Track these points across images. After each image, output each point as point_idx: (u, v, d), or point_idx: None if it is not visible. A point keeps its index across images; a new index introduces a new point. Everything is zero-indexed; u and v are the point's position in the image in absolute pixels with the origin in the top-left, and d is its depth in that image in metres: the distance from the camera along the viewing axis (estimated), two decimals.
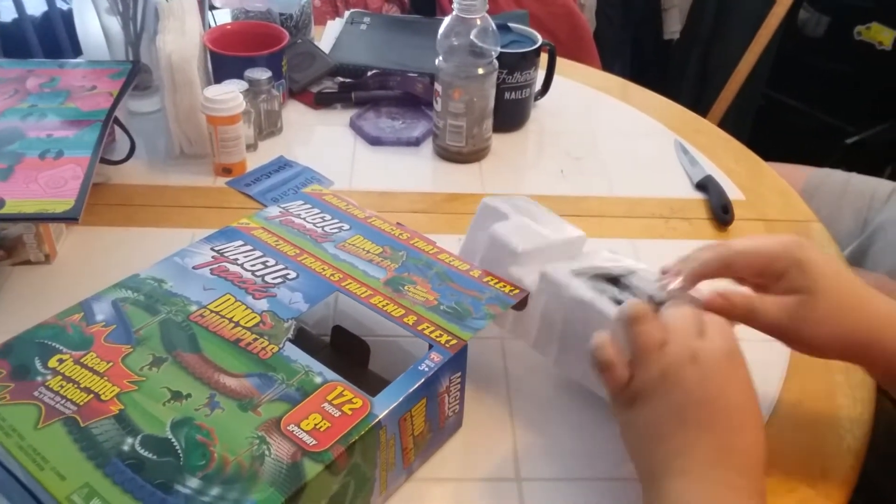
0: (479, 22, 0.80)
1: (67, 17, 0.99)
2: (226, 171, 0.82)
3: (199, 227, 0.74)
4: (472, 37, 0.80)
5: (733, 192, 0.84)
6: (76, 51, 0.97)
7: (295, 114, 0.95)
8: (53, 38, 0.98)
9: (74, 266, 0.69)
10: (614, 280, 0.56)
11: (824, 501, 0.52)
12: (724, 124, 1.79)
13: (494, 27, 0.81)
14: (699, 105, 1.87)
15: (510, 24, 0.93)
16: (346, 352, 0.61)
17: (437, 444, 0.55)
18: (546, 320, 0.57)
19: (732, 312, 0.51)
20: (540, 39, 0.91)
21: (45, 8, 1.00)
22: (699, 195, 0.84)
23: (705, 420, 0.45)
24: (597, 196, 0.84)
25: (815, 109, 1.92)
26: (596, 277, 0.56)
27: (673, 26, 1.81)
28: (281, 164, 0.85)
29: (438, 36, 0.81)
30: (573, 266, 0.57)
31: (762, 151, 0.96)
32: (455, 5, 0.79)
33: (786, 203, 0.85)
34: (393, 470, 0.50)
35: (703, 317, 0.49)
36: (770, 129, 1.95)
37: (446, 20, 0.81)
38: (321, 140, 0.91)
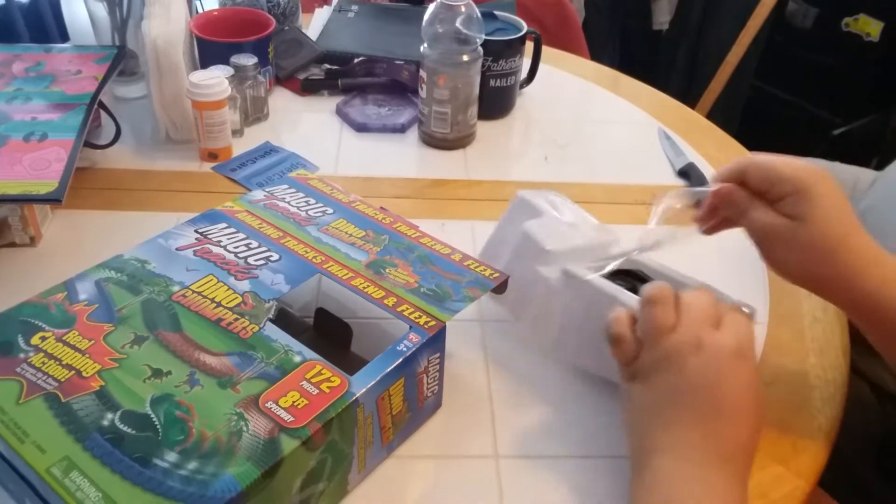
0: (463, 9, 0.80)
1: (54, 3, 1.00)
2: (211, 156, 0.82)
3: (184, 210, 0.75)
4: (457, 24, 0.81)
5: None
6: (63, 36, 0.97)
7: (282, 100, 0.95)
8: (41, 24, 0.98)
9: (59, 249, 0.70)
10: (633, 274, 0.58)
11: (795, 479, 0.54)
12: (712, 115, 1.80)
13: (479, 14, 0.82)
14: (688, 96, 1.88)
15: (496, 12, 0.94)
16: (329, 334, 0.62)
17: (416, 424, 0.55)
18: (568, 316, 0.57)
19: (731, 203, 0.54)
20: (525, 27, 0.92)
21: None
22: (681, 182, 0.85)
23: (699, 405, 0.46)
24: (580, 183, 0.84)
25: (803, 101, 1.93)
26: (616, 274, 0.57)
27: (662, 17, 1.81)
28: (267, 150, 0.85)
29: (423, 23, 0.82)
30: (593, 263, 0.58)
31: (750, 142, 0.97)
32: None
33: None
34: (371, 448, 0.51)
35: (723, 309, 0.49)
36: (758, 120, 1.96)
37: (431, 7, 0.81)
38: (307, 126, 0.92)
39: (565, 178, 0.85)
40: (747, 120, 1.98)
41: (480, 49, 0.84)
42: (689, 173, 0.85)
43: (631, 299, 0.54)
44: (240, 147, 0.85)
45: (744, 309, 0.55)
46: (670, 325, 0.48)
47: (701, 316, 0.48)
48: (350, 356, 0.61)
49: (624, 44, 1.83)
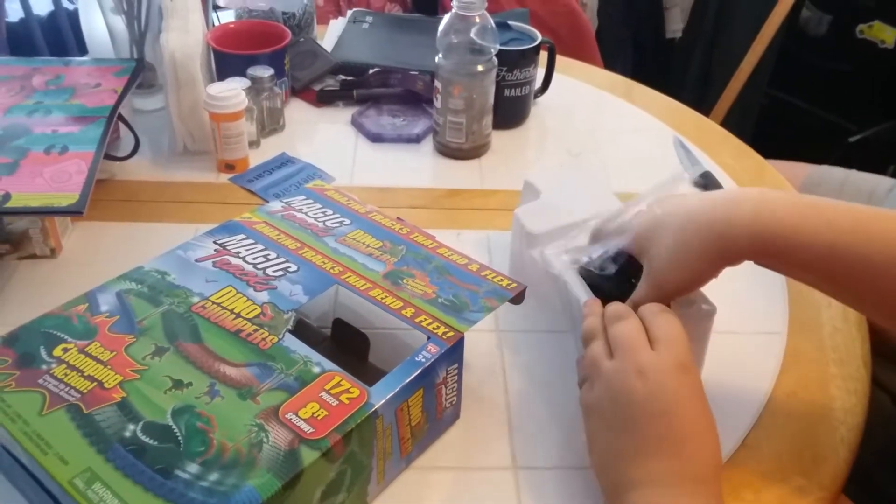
0: (478, 20, 0.81)
1: (73, 17, 1.01)
2: (228, 167, 0.83)
3: (202, 221, 0.75)
4: (471, 34, 0.81)
5: (731, 188, 0.85)
6: (82, 50, 0.98)
7: (297, 111, 0.96)
8: (59, 38, 0.99)
9: (79, 260, 0.70)
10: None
11: (817, 491, 0.53)
12: (726, 123, 1.79)
13: (493, 25, 0.82)
14: (702, 103, 1.87)
15: (510, 22, 0.94)
16: (347, 344, 0.62)
17: (435, 435, 0.55)
18: (561, 300, 0.59)
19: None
20: (539, 37, 0.92)
21: (51, 8, 1.01)
22: (697, 191, 0.85)
23: (661, 433, 0.46)
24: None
25: (818, 108, 1.92)
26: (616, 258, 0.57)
27: (675, 25, 1.81)
28: (283, 161, 0.86)
29: (438, 33, 0.82)
30: (570, 245, 0.58)
31: (765, 149, 0.97)
32: (454, 3, 0.80)
33: None
34: (390, 459, 0.51)
35: (655, 328, 0.50)
36: (773, 128, 1.95)
37: (446, 18, 0.82)
38: (323, 137, 0.92)
39: None
40: (762, 128, 1.97)
41: (495, 59, 0.84)
42: (706, 183, 0.85)
43: (581, 292, 0.55)
44: (256, 158, 0.86)
45: (703, 306, 0.55)
46: (606, 356, 0.49)
47: (632, 341, 0.49)
48: (368, 367, 0.61)
49: (637, 52, 1.83)
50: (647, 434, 0.46)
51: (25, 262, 0.69)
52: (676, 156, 0.91)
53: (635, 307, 0.52)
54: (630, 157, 0.91)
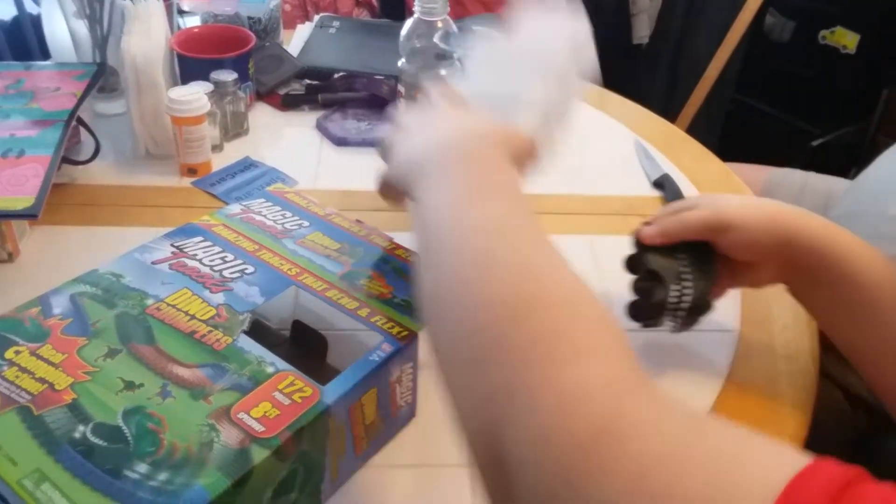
0: (440, 24, 0.82)
1: (36, 22, 1.00)
2: (191, 171, 0.83)
3: (163, 225, 0.75)
4: (434, 39, 0.82)
5: (689, 190, 0.87)
6: (45, 54, 0.97)
7: (262, 115, 0.96)
8: (23, 42, 0.99)
9: (37, 264, 0.70)
10: None
11: None
12: (693, 127, 1.82)
13: (456, 29, 0.83)
14: (669, 109, 1.90)
15: (474, 27, 0.95)
16: (306, 345, 0.63)
17: (390, 434, 0.56)
18: None
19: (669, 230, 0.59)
20: None
21: (14, 12, 1.01)
22: (656, 193, 0.87)
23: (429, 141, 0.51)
24: (557, 194, 0.86)
25: (783, 112, 1.96)
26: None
27: (642, 31, 1.84)
28: (246, 165, 0.86)
29: (401, 38, 0.83)
30: None
31: (731, 153, 0.99)
32: (416, 8, 0.81)
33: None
34: (344, 457, 0.51)
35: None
36: (739, 132, 1.99)
37: (408, 22, 0.82)
38: (288, 141, 0.93)
39: (544, 189, 0.86)
40: (728, 132, 2.00)
41: (458, 63, 0.85)
42: (664, 184, 0.86)
43: None
44: (220, 162, 0.86)
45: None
46: None
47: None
48: (326, 368, 0.61)
49: (604, 58, 1.85)
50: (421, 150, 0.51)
51: None
52: (637, 158, 0.93)
53: (684, 223, 0.59)
54: (593, 161, 0.92)
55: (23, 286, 0.67)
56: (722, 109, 1.98)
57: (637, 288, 0.60)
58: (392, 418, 0.55)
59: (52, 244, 0.72)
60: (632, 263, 0.61)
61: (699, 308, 0.59)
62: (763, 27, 1.92)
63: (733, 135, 1.97)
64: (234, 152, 0.88)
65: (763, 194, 1.01)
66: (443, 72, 0.84)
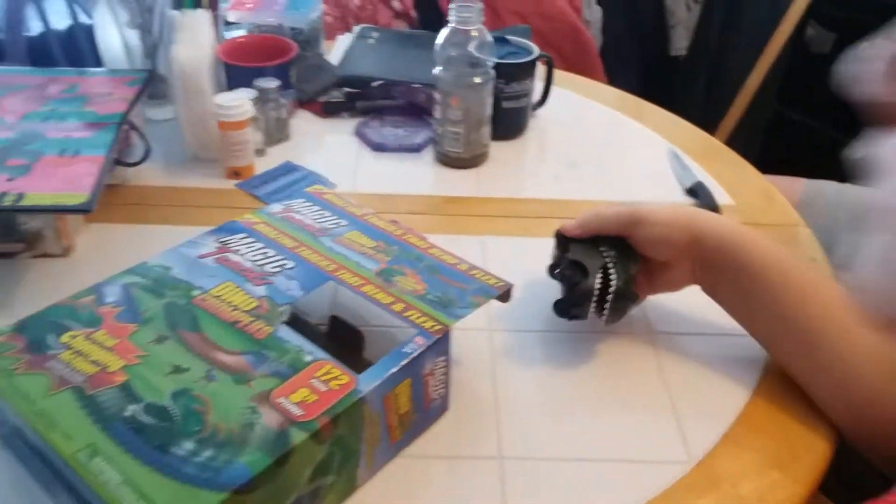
0: (475, 34, 0.84)
1: (90, 31, 1.05)
2: (235, 174, 0.86)
3: (208, 224, 0.77)
4: (468, 48, 0.84)
5: (723, 198, 0.87)
6: (97, 62, 1.02)
7: (303, 122, 0.99)
8: (77, 51, 1.04)
9: (90, 259, 0.73)
10: None
11: (792, 485, 0.55)
12: (733, 140, 1.81)
13: (490, 38, 0.85)
14: (707, 121, 1.88)
15: (508, 37, 0.97)
16: (343, 340, 0.64)
17: (424, 425, 0.58)
18: None
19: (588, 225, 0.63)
20: (537, 51, 0.95)
21: (69, 22, 1.06)
22: (690, 200, 0.87)
23: None
24: (591, 200, 0.87)
25: (824, 125, 1.93)
26: None
27: (679, 42, 1.84)
28: (288, 169, 0.89)
29: (437, 46, 0.85)
30: None
31: (772, 165, 0.98)
32: (452, 17, 0.83)
33: (771, 208, 0.87)
34: (379, 445, 0.53)
35: None
36: (780, 144, 1.97)
37: (444, 31, 0.85)
38: (328, 147, 0.96)
39: (577, 196, 0.87)
40: (769, 144, 1.99)
41: (492, 71, 0.87)
42: (697, 192, 0.87)
43: None
44: (262, 166, 0.89)
45: None
46: None
47: None
48: (362, 361, 0.63)
49: (643, 70, 1.86)
50: None
51: (38, 260, 0.72)
52: (671, 166, 0.94)
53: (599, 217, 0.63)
54: (626, 169, 0.93)
55: (76, 279, 0.70)
56: (762, 121, 1.96)
57: (562, 276, 0.63)
58: (425, 410, 0.56)
59: (104, 241, 0.76)
60: (554, 264, 0.65)
61: (624, 295, 0.61)
62: (804, 39, 1.90)
63: (774, 147, 1.95)
64: (276, 157, 0.91)
65: (800, 206, 1.01)
66: (477, 80, 0.86)
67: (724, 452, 0.57)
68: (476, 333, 0.67)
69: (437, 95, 0.88)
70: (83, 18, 1.04)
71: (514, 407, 0.60)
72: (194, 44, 0.83)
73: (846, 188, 1.07)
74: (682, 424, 0.59)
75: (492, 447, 0.57)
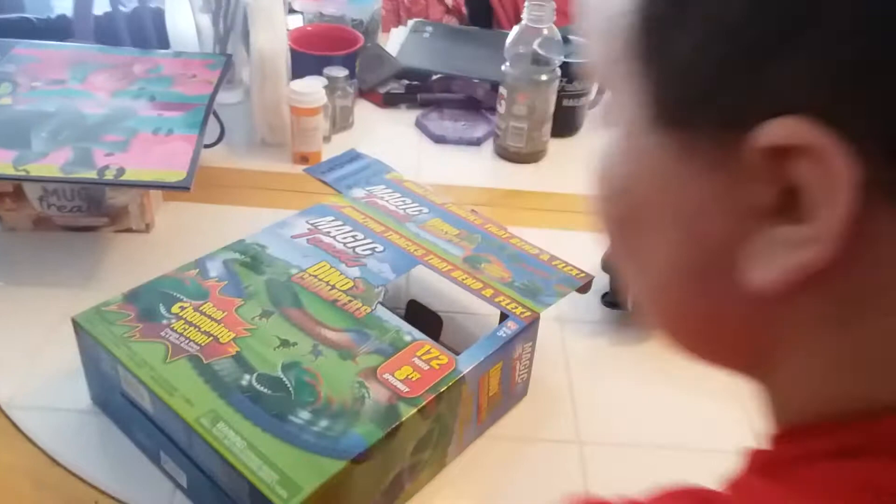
0: (545, 31, 0.86)
1: (154, 13, 1.07)
2: (303, 159, 0.88)
3: (279, 207, 0.80)
4: (535, 46, 0.86)
5: None
6: (162, 44, 1.04)
7: (364, 112, 1.01)
8: (142, 32, 1.06)
9: (170, 236, 0.76)
10: None
11: None
12: None
13: (560, 37, 0.87)
14: None
15: (571, 37, 0.99)
16: (420, 324, 0.67)
17: (507, 407, 0.60)
18: None
19: None
20: None
21: (135, 4, 1.08)
22: None
23: None
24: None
25: None
26: None
27: None
28: (353, 156, 0.91)
29: (507, 43, 0.87)
30: None
31: None
32: (525, 14, 0.85)
33: None
34: (469, 425, 0.55)
35: None
36: None
37: (515, 28, 0.87)
38: (388, 136, 0.98)
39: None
40: None
41: (558, 70, 0.89)
42: None
43: None
44: (328, 153, 0.91)
45: None
46: None
47: None
48: (440, 345, 0.65)
49: None
50: None
51: (121, 235, 0.74)
52: None
53: None
54: None
55: (157, 255, 0.73)
56: None
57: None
58: (510, 393, 0.59)
59: (180, 219, 0.78)
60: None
61: None
62: None
63: None
64: (340, 144, 0.93)
65: None
66: (543, 77, 0.88)
67: None
68: (548, 323, 0.69)
69: (503, 91, 0.89)
70: (150, 1, 1.07)
71: (588, 394, 0.63)
72: (271, 30, 0.85)
73: None
74: (752, 414, 0.61)
75: (570, 431, 0.59)
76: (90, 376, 0.56)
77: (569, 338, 0.68)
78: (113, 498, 0.51)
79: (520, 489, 0.55)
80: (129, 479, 0.52)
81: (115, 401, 0.53)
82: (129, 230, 0.74)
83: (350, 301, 0.56)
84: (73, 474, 0.52)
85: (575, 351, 0.67)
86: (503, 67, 0.89)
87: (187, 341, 0.51)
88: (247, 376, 0.49)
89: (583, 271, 0.62)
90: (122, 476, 0.52)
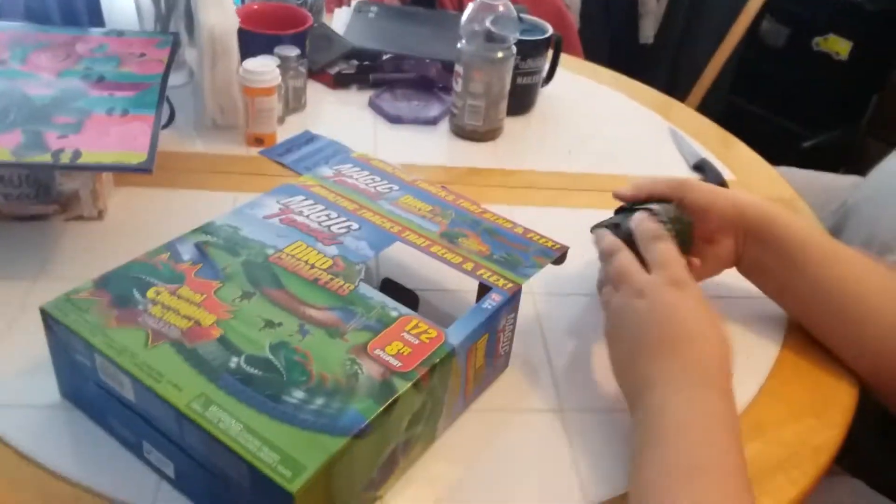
0: (501, 9, 0.86)
1: None
2: (258, 141, 0.86)
3: (237, 191, 0.78)
4: (491, 23, 0.86)
5: (725, 174, 0.92)
6: (94, 24, 0.99)
7: (315, 93, 0.99)
8: (73, 11, 1.01)
9: (124, 223, 0.72)
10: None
11: (827, 429, 0.60)
12: None
13: (514, 14, 0.87)
14: None
15: (522, 15, 1.00)
16: (397, 301, 0.66)
17: (490, 380, 0.60)
18: None
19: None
20: (550, 29, 0.98)
21: None
22: (697, 175, 0.92)
23: (666, 336, 0.54)
24: (603, 174, 0.90)
25: (775, 115, 2.04)
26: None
27: (647, 31, 1.90)
28: (308, 138, 0.89)
29: (463, 20, 0.87)
30: None
31: None
32: None
33: (772, 183, 0.93)
34: (457, 398, 0.55)
35: (649, 254, 0.59)
36: (732, 133, 2.07)
37: (471, 5, 0.86)
38: (342, 117, 0.96)
39: (589, 169, 0.91)
40: None
41: (514, 47, 0.89)
42: (703, 168, 0.92)
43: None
44: (282, 134, 0.89)
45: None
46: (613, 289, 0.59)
47: (630, 267, 0.58)
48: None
49: (613, 55, 1.91)
50: (650, 339, 0.54)
51: (73, 223, 0.71)
52: (674, 144, 0.99)
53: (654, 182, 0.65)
54: (630, 144, 0.98)
55: (113, 243, 0.70)
56: (717, 110, 2.05)
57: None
58: (494, 365, 0.59)
59: (133, 205, 0.75)
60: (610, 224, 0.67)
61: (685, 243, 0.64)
62: (759, 32, 2.00)
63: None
64: (293, 126, 0.91)
65: None
66: (500, 55, 0.88)
67: (763, 403, 0.62)
68: (522, 296, 0.69)
69: (459, 69, 0.89)
70: None
71: (565, 363, 0.63)
72: (220, 7, 0.82)
73: (810, 173, 1.15)
74: None
75: (552, 401, 0.60)
76: (60, 369, 0.53)
77: (542, 308, 0.69)
78: (95, 493, 0.48)
79: (508, 459, 0.55)
80: (109, 473, 0.50)
81: (89, 393, 0.51)
82: (80, 217, 0.71)
83: (332, 279, 0.55)
84: (51, 472, 0.49)
85: (550, 320, 0.67)
86: (459, 45, 0.88)
87: (168, 326, 0.49)
88: (234, 359, 0.48)
89: (557, 242, 0.63)
90: (102, 470, 0.50)
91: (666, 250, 0.58)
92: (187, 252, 0.56)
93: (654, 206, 0.64)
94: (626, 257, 0.59)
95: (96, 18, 0.98)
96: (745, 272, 0.69)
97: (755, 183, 0.92)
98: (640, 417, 0.52)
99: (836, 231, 0.97)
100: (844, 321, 0.64)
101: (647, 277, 0.57)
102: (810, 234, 0.65)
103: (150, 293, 0.52)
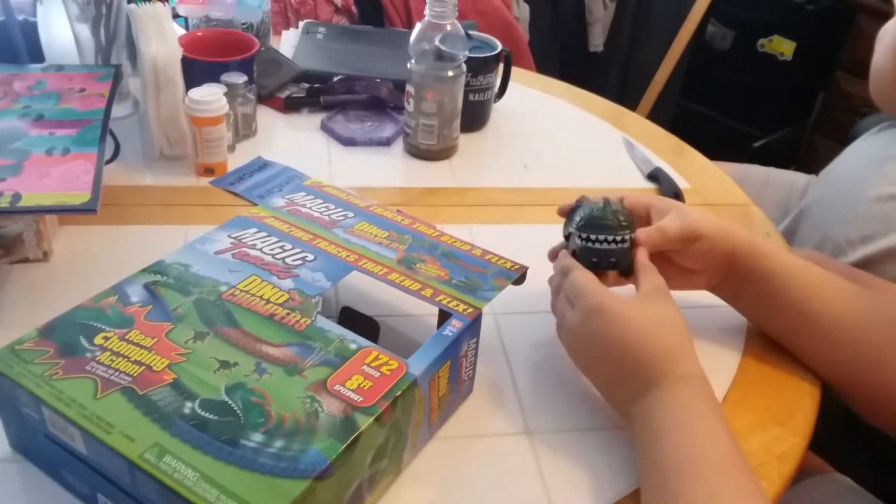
0: (448, 28, 0.86)
1: (25, 26, 0.99)
2: (208, 171, 0.84)
3: (188, 223, 0.76)
4: (440, 42, 0.86)
5: (679, 182, 0.93)
6: (34, 58, 0.96)
7: (265, 118, 0.98)
8: (9, 46, 0.97)
9: (71, 263, 0.70)
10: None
11: (792, 437, 0.60)
12: None
13: (463, 33, 0.87)
14: None
15: (470, 32, 1.00)
16: (357, 331, 0.65)
17: (455, 406, 0.59)
18: None
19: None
20: (499, 45, 0.98)
21: (0, 17, 0.99)
22: (651, 185, 0.93)
23: (620, 359, 0.56)
24: (560, 188, 0.91)
25: (725, 117, 2.08)
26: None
27: (596, 39, 1.92)
28: (260, 165, 0.88)
29: (411, 41, 0.86)
30: None
31: None
32: (427, 12, 0.85)
33: (725, 190, 0.94)
34: (421, 427, 0.54)
35: (567, 286, 0.60)
36: (684, 136, 2.10)
37: (418, 25, 0.86)
38: (294, 142, 0.95)
39: (546, 183, 0.91)
40: (675, 136, 2.11)
41: (464, 65, 0.89)
42: (658, 177, 0.93)
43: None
44: (233, 162, 0.87)
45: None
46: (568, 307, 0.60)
47: (561, 300, 0.61)
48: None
49: (564, 64, 1.93)
50: (613, 364, 0.57)
51: (17, 266, 0.68)
52: (628, 154, 0.99)
53: (665, 234, 0.63)
54: (585, 156, 0.98)
55: (60, 285, 0.68)
56: (668, 114, 2.09)
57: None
58: (458, 391, 0.58)
59: (80, 244, 0.72)
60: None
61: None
62: (705, 36, 2.03)
63: (679, 138, 2.08)
64: (245, 153, 0.90)
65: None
66: (450, 73, 0.88)
67: (728, 413, 0.61)
68: (483, 318, 0.69)
69: (410, 88, 0.89)
70: (17, 13, 0.98)
71: (530, 384, 0.63)
72: (162, 37, 0.80)
73: (770, 171, 1.17)
74: None
75: (518, 424, 0.60)
76: (7, 421, 0.51)
77: (504, 328, 0.68)
78: None
79: (477, 486, 0.54)
80: None
81: (40, 445, 0.49)
82: (25, 260, 0.68)
83: (288, 314, 0.54)
84: None
85: (513, 341, 0.67)
86: (409, 65, 0.88)
87: (117, 373, 0.48)
88: (189, 403, 0.46)
89: (516, 263, 0.62)
90: None
91: (580, 280, 0.59)
92: (136, 294, 0.54)
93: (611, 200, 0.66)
94: (583, 276, 0.60)
95: (36, 54, 0.95)
96: (716, 293, 0.69)
97: (709, 190, 0.93)
98: (634, 435, 0.55)
99: (791, 233, 0.99)
100: (811, 333, 0.64)
101: (569, 315, 0.59)
102: (796, 268, 0.65)
103: (98, 339, 0.50)
